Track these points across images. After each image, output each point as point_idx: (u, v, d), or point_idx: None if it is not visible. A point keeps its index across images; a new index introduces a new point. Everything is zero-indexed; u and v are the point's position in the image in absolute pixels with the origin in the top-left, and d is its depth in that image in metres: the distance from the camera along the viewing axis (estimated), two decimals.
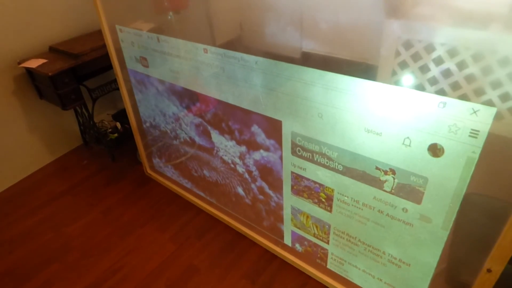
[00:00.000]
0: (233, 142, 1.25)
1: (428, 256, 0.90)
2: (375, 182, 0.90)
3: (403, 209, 0.88)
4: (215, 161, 1.39)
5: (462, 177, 0.74)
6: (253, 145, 1.18)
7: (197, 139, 1.41)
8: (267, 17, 0.96)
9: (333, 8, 0.83)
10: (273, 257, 1.38)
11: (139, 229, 1.57)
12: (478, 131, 0.69)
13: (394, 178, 0.86)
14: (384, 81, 0.77)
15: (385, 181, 0.88)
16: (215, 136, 1.31)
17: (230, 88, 1.10)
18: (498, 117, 0.67)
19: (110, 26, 1.43)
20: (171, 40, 1.20)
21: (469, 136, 0.70)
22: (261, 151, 1.16)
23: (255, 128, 1.13)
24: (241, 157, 1.26)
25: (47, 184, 1.89)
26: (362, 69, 0.82)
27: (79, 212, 1.69)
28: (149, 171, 1.85)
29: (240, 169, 1.29)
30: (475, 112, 0.68)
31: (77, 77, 1.72)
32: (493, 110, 0.66)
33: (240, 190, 1.37)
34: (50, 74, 1.55)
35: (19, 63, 1.68)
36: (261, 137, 1.12)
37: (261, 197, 1.29)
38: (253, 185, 1.29)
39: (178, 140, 1.52)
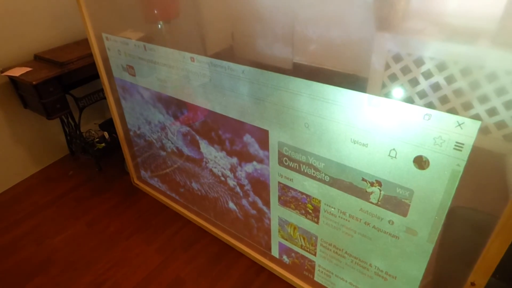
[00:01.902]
0: (223, 153, 1.23)
1: (414, 268, 0.89)
2: (362, 194, 0.89)
3: (389, 221, 0.87)
4: (204, 173, 1.37)
5: (447, 190, 0.74)
6: (245, 157, 1.15)
7: (184, 149, 1.39)
8: (259, 28, 0.96)
9: (325, 20, 0.83)
10: (261, 269, 1.36)
11: (125, 241, 1.54)
12: (462, 144, 0.68)
13: (380, 190, 0.85)
14: (374, 93, 0.77)
15: (372, 192, 0.87)
16: (204, 146, 1.29)
17: (217, 97, 1.09)
18: (485, 131, 0.67)
19: (96, 34, 1.42)
20: (158, 48, 1.19)
21: (454, 149, 0.70)
22: (254, 163, 1.13)
23: (247, 138, 1.10)
24: (232, 169, 1.23)
25: (31, 195, 1.84)
26: (353, 81, 0.82)
27: (63, 224, 1.65)
28: (137, 182, 1.82)
29: (231, 182, 1.27)
30: (460, 125, 0.68)
31: (63, 86, 1.69)
32: (477, 124, 0.66)
33: (230, 205, 1.35)
34: (34, 82, 1.52)
35: (2, 72, 1.65)
36: (254, 147, 1.10)
37: (253, 212, 1.26)
38: (244, 200, 1.27)
39: (165, 151, 1.50)
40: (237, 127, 1.10)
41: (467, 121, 0.66)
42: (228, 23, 1.08)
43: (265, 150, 1.06)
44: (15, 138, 1.86)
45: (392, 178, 0.81)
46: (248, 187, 1.21)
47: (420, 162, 0.75)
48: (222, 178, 1.30)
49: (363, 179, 0.87)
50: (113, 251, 1.49)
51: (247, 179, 1.20)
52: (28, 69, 1.62)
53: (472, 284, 0.79)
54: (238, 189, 1.26)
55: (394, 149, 0.78)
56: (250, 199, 1.24)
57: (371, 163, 0.83)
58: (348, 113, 0.82)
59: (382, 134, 0.78)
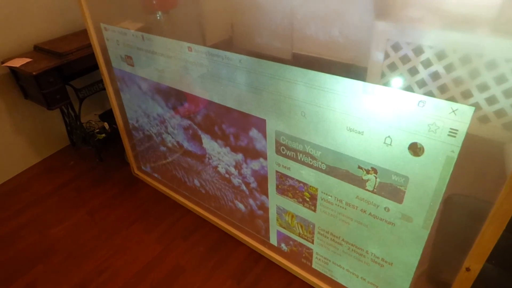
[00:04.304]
0: (228, 149, 1.20)
1: (410, 255, 0.90)
2: (358, 181, 0.90)
3: (385, 208, 0.88)
4: (207, 169, 1.37)
5: (442, 176, 0.75)
6: (251, 153, 1.13)
7: (185, 144, 1.39)
8: (258, 19, 0.96)
9: (324, 10, 0.83)
10: (260, 257, 1.38)
11: (126, 230, 1.56)
12: (457, 130, 0.69)
13: (376, 177, 0.86)
14: (373, 82, 0.77)
15: (368, 180, 0.88)
16: (207, 141, 1.28)
17: (215, 87, 1.10)
18: (484, 119, 0.68)
19: (95, 24, 1.42)
20: (156, 38, 1.19)
21: (448, 135, 0.70)
22: (261, 160, 1.11)
23: (254, 133, 1.07)
24: (237, 166, 1.21)
25: (32, 185, 1.86)
26: (353, 71, 0.82)
27: (65, 213, 1.67)
28: (137, 172, 1.84)
29: (236, 180, 1.26)
30: (453, 111, 0.68)
31: (63, 76, 1.70)
32: (471, 110, 0.66)
33: (234, 201, 1.35)
34: (34, 73, 1.53)
35: (3, 62, 1.65)
36: (261, 143, 1.07)
37: (260, 212, 1.26)
38: (250, 199, 1.26)
39: (165, 145, 1.50)
40: (243, 121, 1.07)
41: (461, 107, 0.66)
42: (228, 14, 1.08)
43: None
44: (16, 129, 1.87)
45: (388, 165, 0.82)
46: (254, 185, 1.20)
47: (415, 149, 0.76)
48: (226, 175, 1.29)
49: (359, 167, 0.87)
50: (114, 240, 1.51)
51: (253, 176, 1.19)
52: (28, 59, 1.63)
53: (467, 269, 0.80)
54: (243, 186, 1.25)
55: (389, 136, 0.78)
56: (257, 201, 1.24)
57: (367, 150, 0.84)
58: (344, 101, 0.82)
59: (377, 122, 0.79)
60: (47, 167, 1.99)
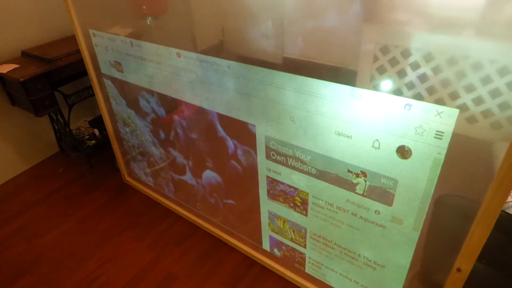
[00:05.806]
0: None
1: (401, 257, 0.90)
2: (348, 185, 0.90)
3: (375, 211, 0.88)
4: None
5: (430, 178, 0.75)
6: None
7: (176, 153, 1.39)
8: (249, 24, 0.96)
9: (313, 14, 0.84)
10: (253, 263, 1.37)
11: (116, 237, 1.54)
12: (442, 132, 0.69)
13: (365, 181, 0.86)
14: (363, 86, 0.78)
15: (357, 183, 0.88)
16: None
17: (204, 92, 1.09)
18: (472, 120, 0.68)
19: (84, 30, 1.41)
20: (144, 44, 1.19)
21: (435, 137, 0.71)
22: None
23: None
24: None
25: (20, 193, 1.83)
26: (343, 74, 0.83)
27: (54, 222, 1.64)
28: (127, 178, 1.82)
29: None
30: (439, 114, 0.69)
31: (51, 82, 1.68)
32: (456, 112, 0.67)
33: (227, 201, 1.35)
34: (21, 79, 1.51)
35: None
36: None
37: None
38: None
39: (156, 152, 1.49)
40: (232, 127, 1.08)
41: (446, 109, 0.67)
42: (218, 18, 1.08)
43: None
44: (3, 136, 1.84)
45: (377, 168, 0.82)
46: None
47: (403, 152, 0.76)
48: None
49: (348, 171, 0.88)
50: (105, 248, 1.49)
51: None
52: (16, 65, 1.61)
53: (458, 270, 0.81)
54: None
55: (377, 140, 0.79)
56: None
57: (356, 154, 0.84)
58: (332, 105, 0.82)
59: (365, 126, 0.79)
60: (36, 174, 1.96)
